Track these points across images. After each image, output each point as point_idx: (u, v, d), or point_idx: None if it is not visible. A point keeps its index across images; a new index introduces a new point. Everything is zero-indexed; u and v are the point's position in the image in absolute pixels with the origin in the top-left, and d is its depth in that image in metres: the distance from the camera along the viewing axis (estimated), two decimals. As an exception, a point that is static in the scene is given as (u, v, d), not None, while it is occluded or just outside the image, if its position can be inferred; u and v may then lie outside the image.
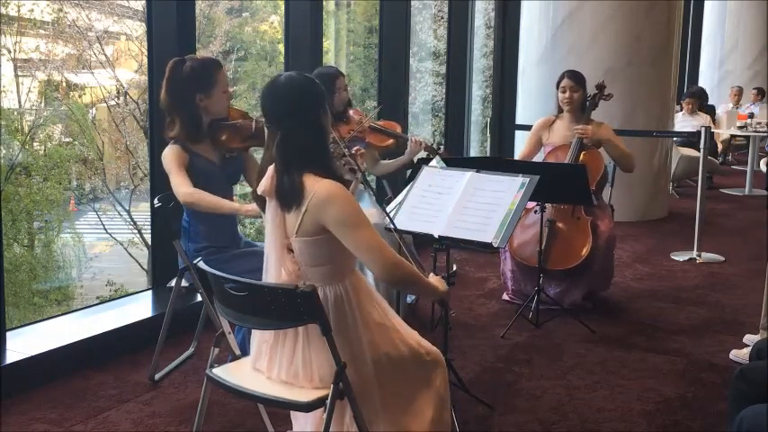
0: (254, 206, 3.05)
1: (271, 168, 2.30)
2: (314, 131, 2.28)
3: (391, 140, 4.44)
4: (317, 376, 2.29)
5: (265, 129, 2.36)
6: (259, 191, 2.33)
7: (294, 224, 2.26)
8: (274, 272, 2.35)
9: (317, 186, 2.22)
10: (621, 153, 4.77)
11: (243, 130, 3.36)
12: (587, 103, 4.82)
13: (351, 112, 4.35)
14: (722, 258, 6.02)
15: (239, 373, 2.44)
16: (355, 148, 2.82)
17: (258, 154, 3.35)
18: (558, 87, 4.84)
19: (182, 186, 3.18)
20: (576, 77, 4.80)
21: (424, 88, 8.62)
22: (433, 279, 2.48)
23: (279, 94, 2.30)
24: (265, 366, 2.40)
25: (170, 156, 3.24)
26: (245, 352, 2.88)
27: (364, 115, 4.39)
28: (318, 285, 2.28)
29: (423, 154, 4.40)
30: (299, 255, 2.30)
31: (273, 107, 2.30)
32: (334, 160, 2.40)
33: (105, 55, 7.90)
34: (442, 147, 4.86)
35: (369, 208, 3.46)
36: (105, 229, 8.32)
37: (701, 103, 10.07)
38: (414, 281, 2.33)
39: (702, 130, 6.01)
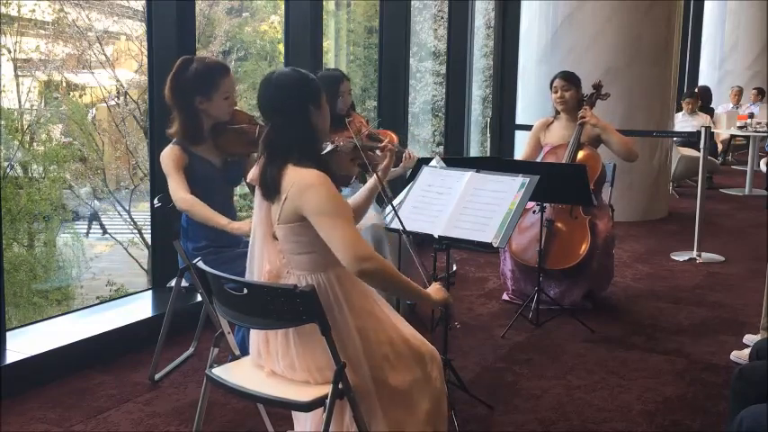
0: (241, 224, 3.06)
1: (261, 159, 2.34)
2: (301, 127, 2.30)
3: None
4: (314, 367, 2.30)
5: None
6: (248, 178, 2.39)
7: (276, 212, 2.29)
8: (258, 260, 2.39)
9: (298, 175, 2.24)
10: (621, 141, 4.79)
11: (246, 135, 3.34)
12: (584, 102, 4.83)
13: (352, 118, 4.33)
14: (722, 258, 6.02)
15: (239, 373, 2.44)
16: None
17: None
18: (551, 88, 4.86)
19: (179, 191, 3.18)
20: (567, 77, 4.82)
21: (424, 88, 8.62)
22: (432, 288, 2.44)
23: (269, 90, 2.34)
24: (265, 361, 2.41)
25: (168, 157, 3.23)
26: (244, 352, 2.88)
27: (365, 123, 4.38)
28: (301, 273, 2.31)
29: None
30: (283, 242, 2.33)
31: (264, 101, 2.35)
32: (322, 155, 2.43)
33: (105, 55, 7.89)
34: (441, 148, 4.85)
35: (369, 210, 3.45)
36: (105, 229, 8.32)
37: (703, 103, 10.05)
38: (390, 279, 2.23)
39: (702, 130, 6.01)
